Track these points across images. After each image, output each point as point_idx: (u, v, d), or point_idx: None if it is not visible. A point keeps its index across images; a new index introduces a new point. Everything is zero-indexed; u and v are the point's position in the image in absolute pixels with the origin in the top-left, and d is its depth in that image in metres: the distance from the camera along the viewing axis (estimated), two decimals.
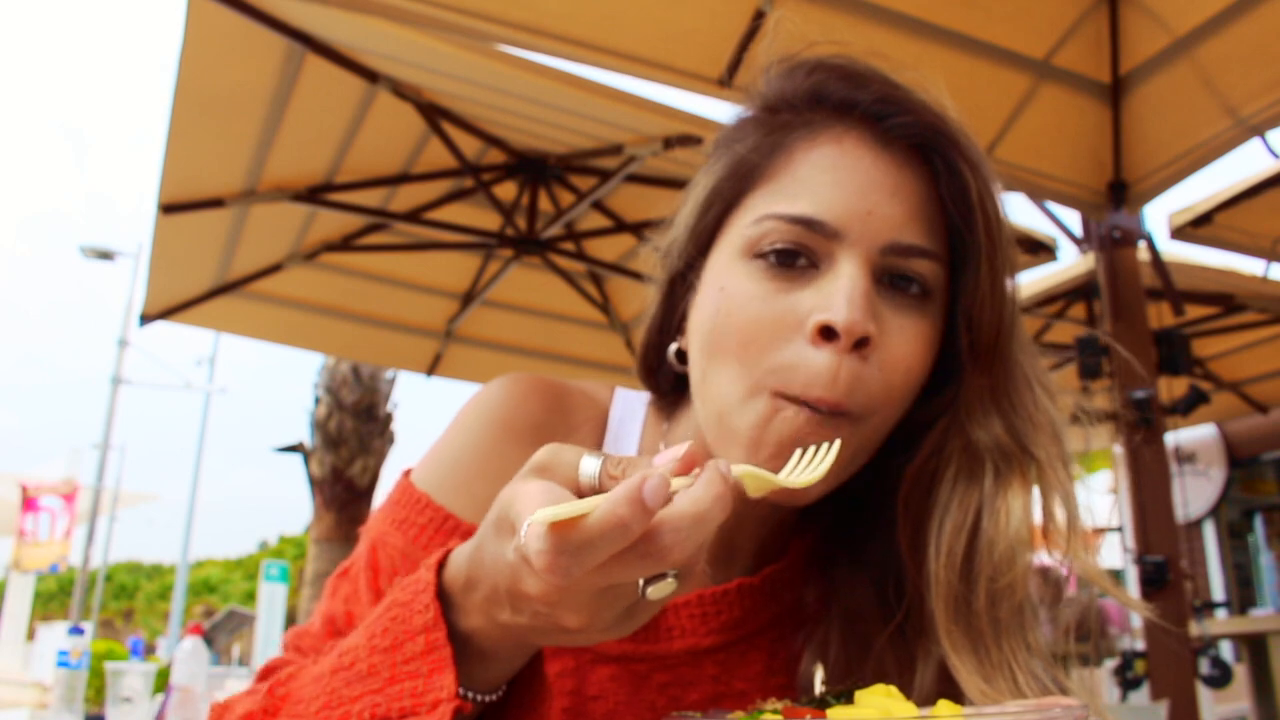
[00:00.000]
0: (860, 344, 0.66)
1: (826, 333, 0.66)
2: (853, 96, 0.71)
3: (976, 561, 0.70)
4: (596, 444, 0.82)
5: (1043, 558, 0.75)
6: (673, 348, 0.80)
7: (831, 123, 0.72)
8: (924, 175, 0.71)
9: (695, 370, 0.74)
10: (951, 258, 0.72)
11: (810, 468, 0.62)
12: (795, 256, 0.69)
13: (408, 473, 0.83)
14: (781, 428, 0.67)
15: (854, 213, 0.68)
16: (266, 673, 0.76)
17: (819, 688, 0.76)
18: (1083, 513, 0.72)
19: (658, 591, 0.52)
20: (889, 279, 0.69)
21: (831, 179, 0.69)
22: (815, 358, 0.66)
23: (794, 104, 0.74)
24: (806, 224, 0.68)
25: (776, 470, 0.63)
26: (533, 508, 0.49)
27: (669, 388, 0.85)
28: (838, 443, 0.64)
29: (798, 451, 0.65)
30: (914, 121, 0.70)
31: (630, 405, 0.87)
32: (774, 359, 0.67)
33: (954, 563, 0.70)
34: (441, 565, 0.62)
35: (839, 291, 0.66)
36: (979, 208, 0.70)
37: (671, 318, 0.80)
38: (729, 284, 0.71)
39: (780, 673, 0.80)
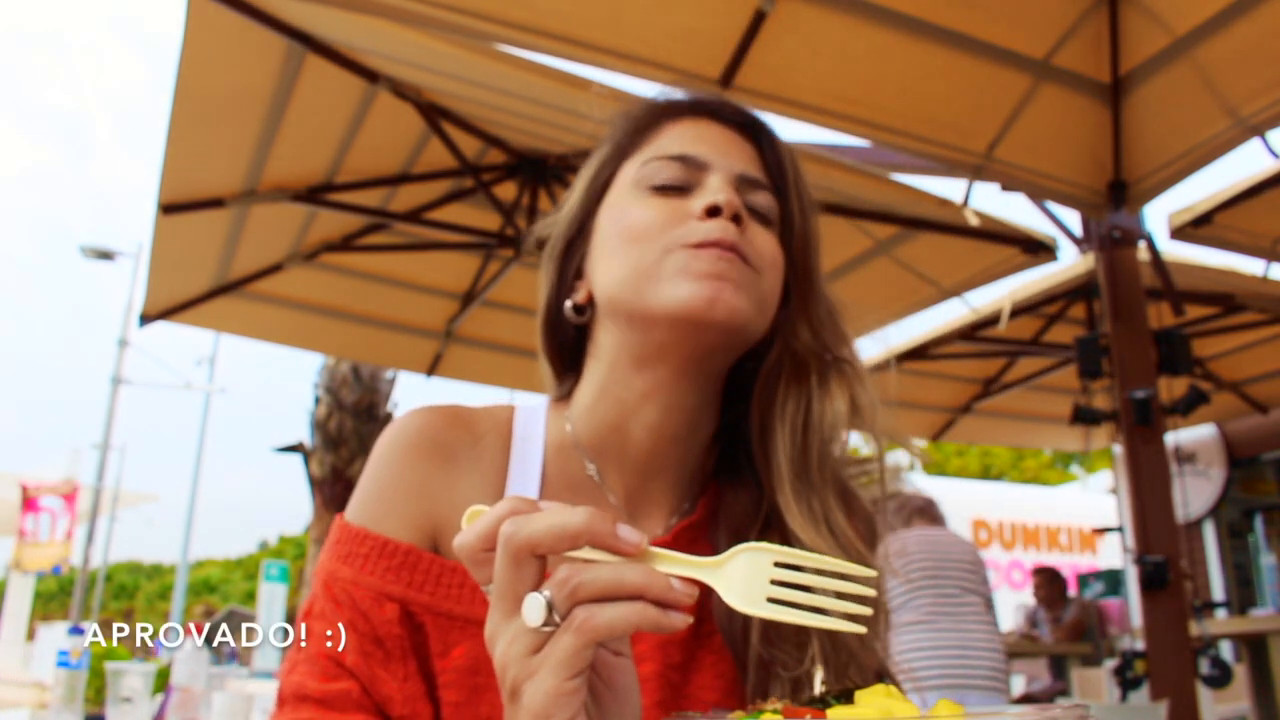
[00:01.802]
0: (737, 220, 0.85)
1: (712, 211, 0.84)
2: (699, 99, 0.96)
3: (810, 435, 0.90)
4: (503, 449, 0.93)
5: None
6: (568, 304, 0.94)
7: (689, 112, 0.95)
8: (754, 146, 0.94)
9: (605, 273, 0.89)
10: (780, 210, 0.93)
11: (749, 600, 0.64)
12: (676, 186, 0.88)
13: (341, 515, 0.91)
14: (702, 262, 0.82)
15: (715, 152, 0.90)
16: None
17: (818, 687, 0.78)
18: (875, 390, 0.93)
19: (530, 607, 0.57)
20: (748, 206, 0.89)
21: (694, 135, 0.92)
22: (709, 223, 0.84)
23: (659, 108, 0.96)
24: (683, 160, 0.89)
25: (710, 291, 0.81)
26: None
27: (564, 352, 0.98)
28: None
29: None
30: (742, 114, 0.95)
31: (532, 411, 0.97)
32: (675, 230, 0.85)
33: (795, 434, 0.90)
34: None
35: (716, 184, 0.86)
36: (790, 172, 0.93)
37: (565, 278, 0.95)
38: (625, 205, 0.89)
39: (708, 620, 0.89)
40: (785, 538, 0.86)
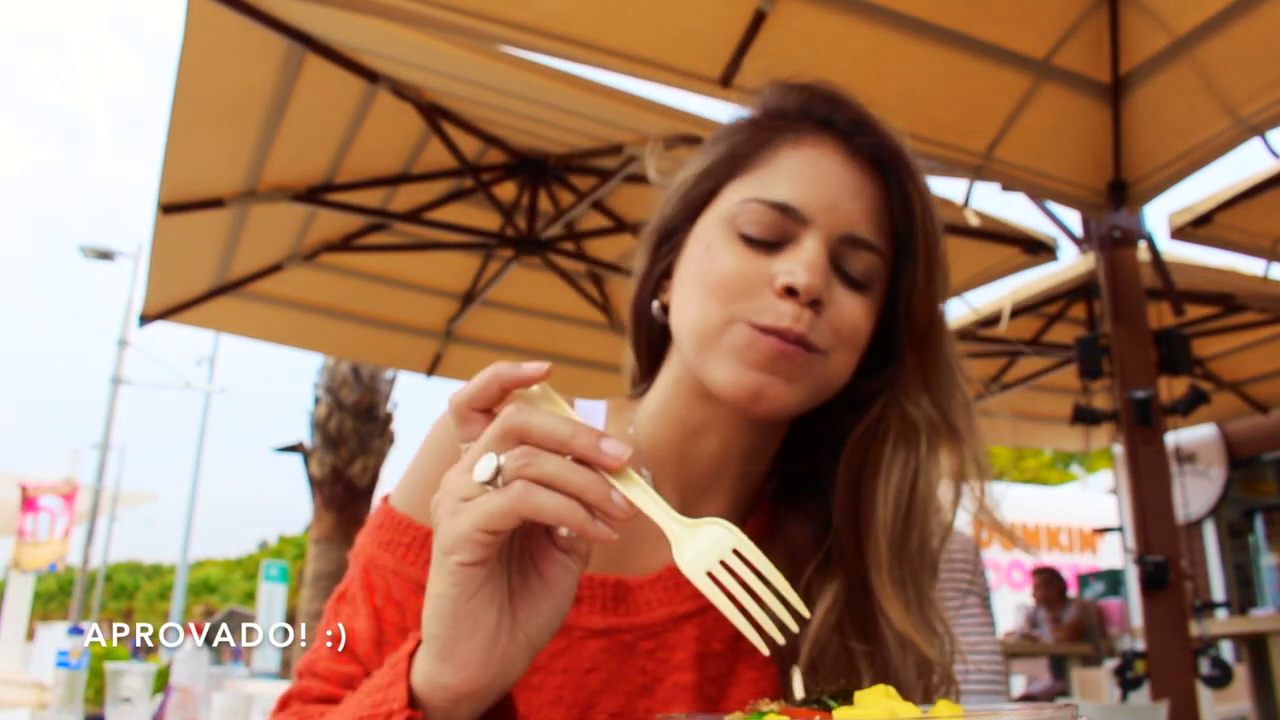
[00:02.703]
0: (814, 304, 0.80)
1: (789, 291, 0.79)
2: (832, 115, 0.87)
3: (914, 511, 0.85)
4: None
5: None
6: (655, 304, 0.92)
7: (813, 133, 0.86)
8: (880, 186, 0.85)
9: (678, 309, 0.87)
10: (894, 256, 0.86)
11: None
12: (768, 239, 0.82)
13: (387, 498, 0.90)
14: (758, 352, 0.79)
15: (821, 205, 0.82)
16: (282, 706, 0.83)
17: (799, 691, 0.78)
18: (988, 468, 0.88)
19: (482, 464, 0.62)
20: (842, 270, 0.83)
21: (808, 175, 0.83)
22: (781, 304, 0.80)
23: (786, 113, 0.89)
24: (782, 209, 0.82)
25: (757, 385, 0.79)
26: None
27: (651, 348, 0.96)
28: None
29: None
30: (878, 143, 0.85)
31: (591, 409, 0.95)
32: (747, 301, 0.81)
33: (899, 510, 0.85)
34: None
35: (802, 261, 0.80)
36: (920, 221, 0.85)
37: (654, 270, 0.93)
38: (713, 243, 0.85)
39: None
40: (866, 599, 0.85)
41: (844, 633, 0.85)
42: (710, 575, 0.63)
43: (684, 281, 0.87)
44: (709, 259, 0.84)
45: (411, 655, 0.66)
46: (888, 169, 0.85)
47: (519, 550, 0.66)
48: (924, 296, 0.86)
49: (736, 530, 0.62)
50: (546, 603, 0.65)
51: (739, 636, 0.86)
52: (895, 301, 0.87)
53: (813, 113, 0.87)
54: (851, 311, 0.83)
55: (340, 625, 0.84)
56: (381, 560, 0.86)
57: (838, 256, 0.82)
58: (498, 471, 0.61)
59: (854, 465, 0.88)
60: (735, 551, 0.63)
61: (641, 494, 0.63)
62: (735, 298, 0.81)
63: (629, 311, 0.97)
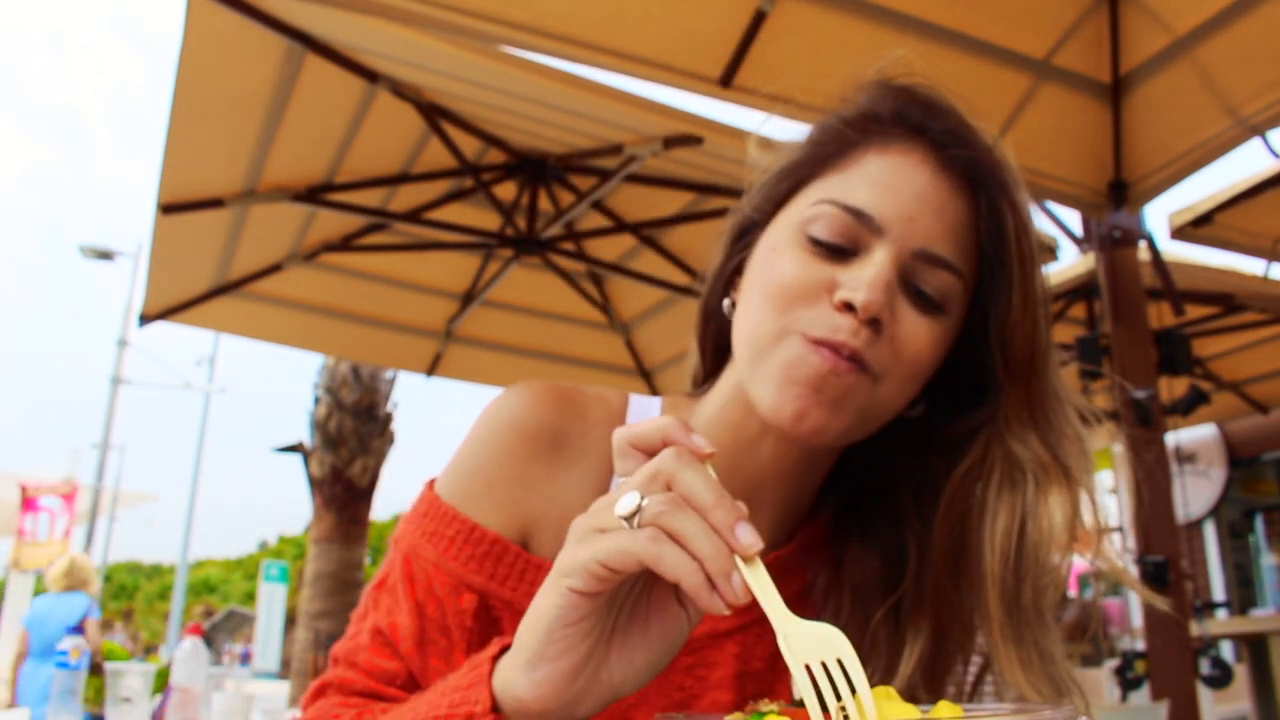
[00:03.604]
0: (873, 323, 0.75)
1: (847, 307, 0.75)
2: (926, 123, 0.81)
3: (1024, 561, 0.78)
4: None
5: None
6: (726, 301, 0.88)
7: (904, 139, 0.81)
8: (970, 204, 0.80)
9: (739, 313, 0.83)
10: (981, 281, 0.81)
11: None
12: (838, 245, 0.78)
13: (432, 483, 0.87)
14: (809, 368, 0.75)
15: (899, 215, 0.77)
16: (318, 693, 0.81)
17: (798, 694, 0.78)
18: (1105, 516, 0.81)
19: (625, 499, 0.61)
20: (913, 287, 0.78)
21: (889, 183, 0.78)
22: (838, 317, 0.75)
23: (879, 116, 0.83)
24: (856, 214, 0.77)
25: (800, 406, 0.75)
26: None
27: (711, 351, 0.93)
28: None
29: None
30: (971, 157, 0.80)
31: (647, 405, 0.91)
32: (803, 312, 0.76)
33: (1008, 561, 0.77)
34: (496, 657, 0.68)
35: (866, 276, 0.75)
36: (1013, 243, 0.79)
37: (727, 266, 0.89)
38: (779, 245, 0.81)
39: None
40: (949, 648, 0.82)
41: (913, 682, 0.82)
42: (808, 669, 0.60)
43: (748, 283, 0.83)
44: (772, 262, 0.80)
45: (494, 659, 0.66)
46: (980, 185, 0.80)
47: (640, 593, 0.65)
48: (1020, 324, 0.80)
49: (844, 638, 0.59)
50: (643, 655, 0.64)
51: (779, 655, 0.84)
52: (987, 330, 0.81)
53: (908, 118, 0.82)
54: (916, 335, 0.77)
55: (381, 619, 0.82)
56: (424, 551, 0.83)
57: (910, 273, 0.77)
58: (637, 510, 0.60)
59: (956, 510, 0.81)
60: (837, 659, 0.60)
61: (761, 583, 0.61)
62: (792, 306, 0.77)
63: (699, 306, 0.94)
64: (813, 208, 0.80)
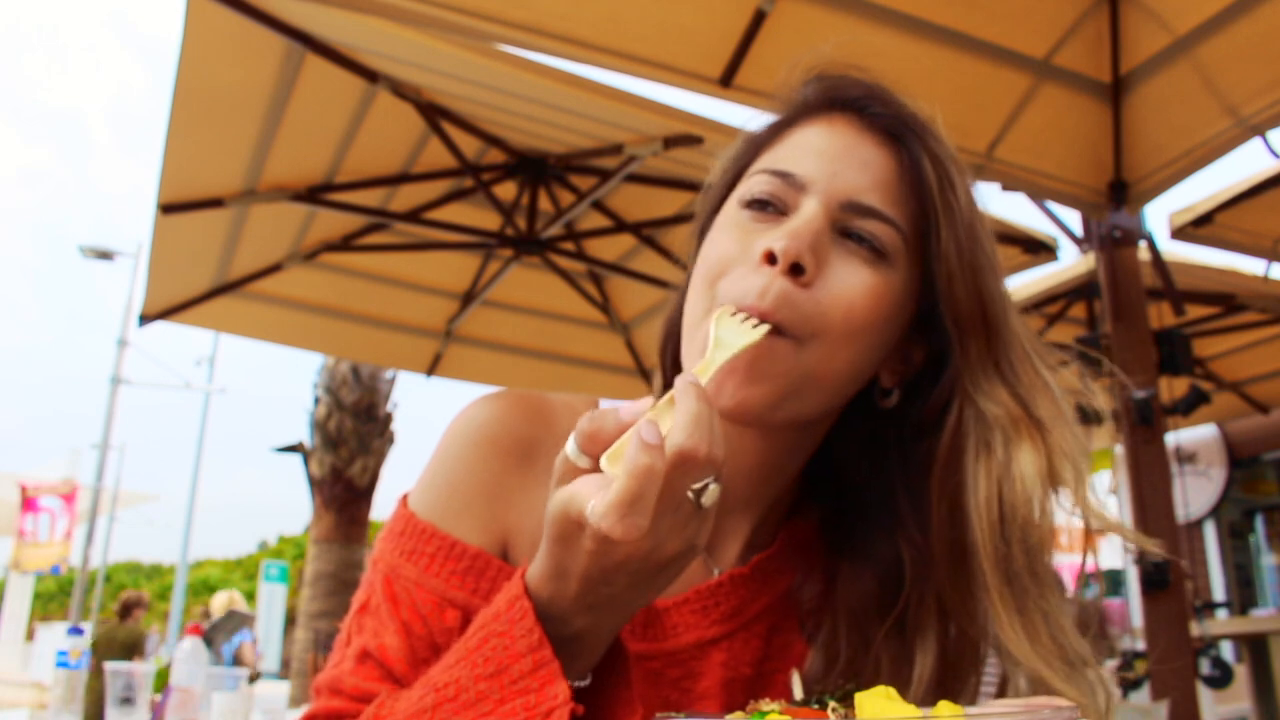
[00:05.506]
0: (795, 270, 0.74)
1: (769, 258, 0.74)
2: (845, 91, 0.84)
3: (1008, 524, 0.74)
4: None
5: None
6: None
7: (827, 110, 0.84)
8: (896, 159, 0.80)
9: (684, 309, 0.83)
10: (922, 239, 0.80)
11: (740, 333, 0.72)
12: (767, 204, 0.79)
13: (405, 500, 0.86)
14: None
15: (823, 172, 0.78)
16: None
17: (798, 693, 0.77)
18: (1085, 461, 0.77)
19: (709, 497, 0.65)
20: (848, 234, 0.77)
21: (814, 146, 0.81)
22: (752, 276, 0.75)
23: (808, 101, 0.86)
24: (782, 175, 0.79)
25: (715, 380, 0.71)
26: (588, 503, 0.63)
27: (671, 366, 0.90)
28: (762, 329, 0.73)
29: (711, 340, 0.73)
30: (890, 114, 0.82)
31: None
32: (724, 284, 0.77)
33: (995, 527, 0.75)
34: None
35: (789, 225, 0.76)
36: (938, 192, 0.79)
37: (688, 275, 0.88)
38: (717, 227, 0.82)
39: (776, 658, 0.85)
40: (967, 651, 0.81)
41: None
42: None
43: (694, 269, 0.83)
44: (709, 243, 0.81)
45: (553, 653, 0.69)
46: (901, 140, 0.81)
47: None
48: (959, 275, 0.77)
49: None
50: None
51: (766, 659, 0.84)
52: (935, 288, 0.79)
53: (834, 95, 0.84)
54: (849, 286, 0.75)
55: (368, 641, 0.80)
56: (404, 570, 0.81)
57: (843, 225, 0.77)
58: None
59: (948, 494, 0.78)
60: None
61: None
62: (718, 280, 0.77)
63: (662, 322, 0.91)
64: (745, 182, 0.82)
